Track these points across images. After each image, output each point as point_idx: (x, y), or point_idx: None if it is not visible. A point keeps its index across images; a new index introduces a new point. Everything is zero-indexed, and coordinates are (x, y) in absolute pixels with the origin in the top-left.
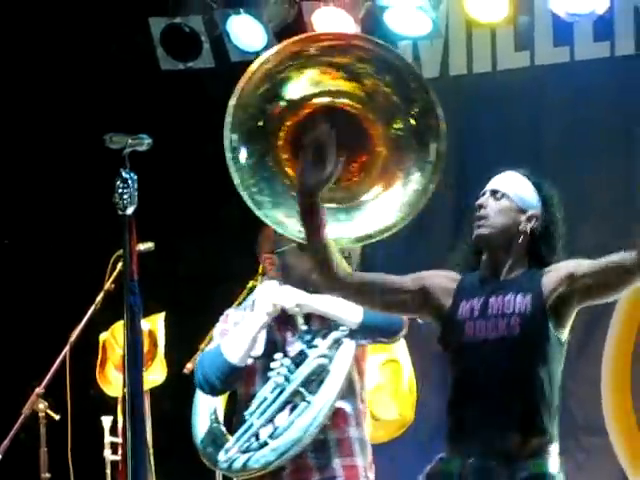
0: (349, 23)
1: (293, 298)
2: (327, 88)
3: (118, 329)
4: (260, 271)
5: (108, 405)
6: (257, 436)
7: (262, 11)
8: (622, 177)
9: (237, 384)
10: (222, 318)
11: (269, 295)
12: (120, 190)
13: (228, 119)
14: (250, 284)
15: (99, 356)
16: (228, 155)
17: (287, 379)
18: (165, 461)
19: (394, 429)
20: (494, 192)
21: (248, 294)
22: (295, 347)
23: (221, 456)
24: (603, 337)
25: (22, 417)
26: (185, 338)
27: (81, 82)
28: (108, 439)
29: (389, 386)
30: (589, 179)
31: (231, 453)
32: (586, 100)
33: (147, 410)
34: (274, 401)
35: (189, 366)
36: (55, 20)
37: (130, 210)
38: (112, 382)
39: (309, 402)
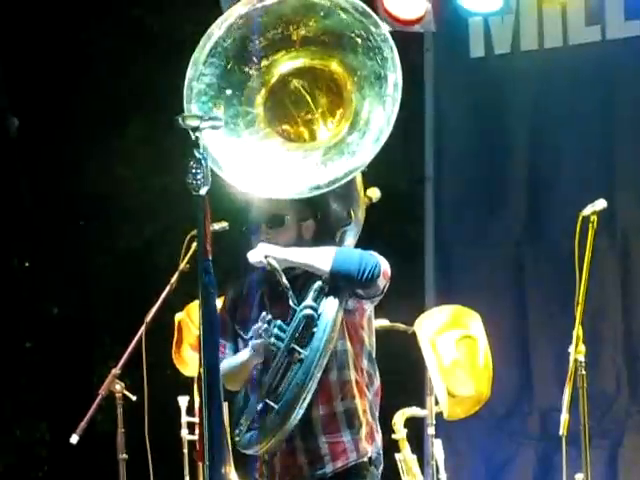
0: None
1: (261, 251)
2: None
3: (193, 309)
4: None
5: (184, 385)
6: (265, 405)
7: None
8: None
9: None
10: None
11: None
12: (193, 171)
13: None
14: None
15: (175, 336)
16: None
17: (280, 339)
18: None
19: (471, 405)
20: None
21: None
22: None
23: (235, 435)
24: None
25: (99, 398)
26: None
27: None
28: (185, 419)
29: (465, 362)
30: None
31: (242, 428)
32: None
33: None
34: (270, 366)
35: None
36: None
37: (204, 190)
38: (188, 362)
39: (302, 358)
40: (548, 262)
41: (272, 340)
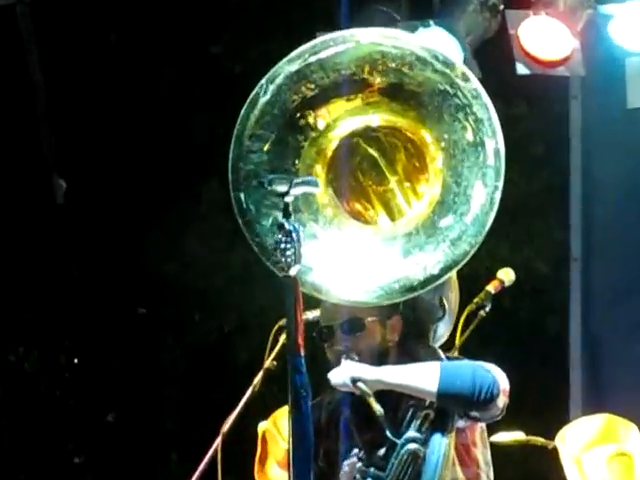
0: (565, 35)
1: (347, 372)
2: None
3: (281, 417)
4: None
5: None
6: None
7: (457, 23)
8: None
9: None
10: None
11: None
12: (282, 246)
13: None
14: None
15: (258, 451)
16: None
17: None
18: None
19: None
20: None
21: None
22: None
23: None
24: None
25: None
26: None
27: None
28: None
29: None
30: None
31: None
32: None
33: None
34: None
35: None
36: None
37: (294, 270)
38: None
39: None
40: None
41: None
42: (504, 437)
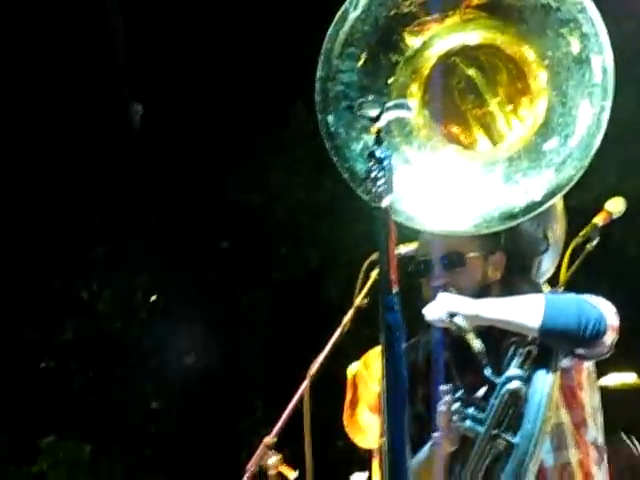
0: None
1: (443, 306)
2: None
3: (373, 358)
4: None
5: (361, 459)
6: None
7: None
8: None
9: None
10: None
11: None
12: (373, 175)
13: None
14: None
15: (348, 395)
16: None
17: (478, 421)
18: None
19: None
20: None
21: None
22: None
23: None
24: None
25: (247, 475)
26: None
27: None
28: None
29: None
30: None
31: None
32: None
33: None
34: (470, 455)
35: None
36: None
37: (386, 201)
38: (365, 429)
39: (511, 448)
40: None
41: (467, 424)
42: (614, 379)
